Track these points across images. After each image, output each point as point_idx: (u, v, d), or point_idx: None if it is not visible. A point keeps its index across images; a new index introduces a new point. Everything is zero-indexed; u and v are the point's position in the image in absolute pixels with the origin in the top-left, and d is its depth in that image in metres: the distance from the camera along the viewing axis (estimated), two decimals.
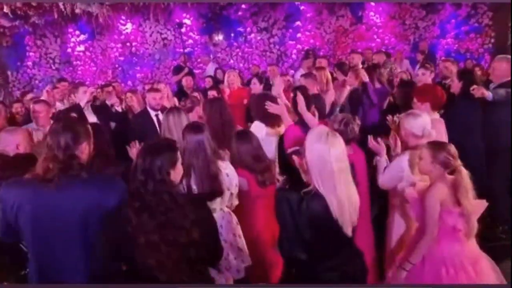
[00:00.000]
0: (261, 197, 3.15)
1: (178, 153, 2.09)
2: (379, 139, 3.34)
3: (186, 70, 8.91)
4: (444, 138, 3.70)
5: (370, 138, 3.34)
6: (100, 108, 5.56)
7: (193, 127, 2.89)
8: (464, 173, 2.65)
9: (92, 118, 5.03)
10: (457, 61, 8.40)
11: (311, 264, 2.17)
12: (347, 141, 3.08)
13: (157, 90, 4.97)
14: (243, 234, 3.09)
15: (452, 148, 2.71)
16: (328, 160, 2.07)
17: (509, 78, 4.61)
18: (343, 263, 2.20)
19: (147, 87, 6.86)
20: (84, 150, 2.20)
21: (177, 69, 9.22)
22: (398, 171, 3.14)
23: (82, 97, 5.02)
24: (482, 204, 2.90)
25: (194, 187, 2.79)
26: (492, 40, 10.24)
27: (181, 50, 10.55)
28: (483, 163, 4.51)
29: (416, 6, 10.34)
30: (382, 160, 3.29)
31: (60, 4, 7.02)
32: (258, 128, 3.82)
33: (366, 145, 3.42)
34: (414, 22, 10.50)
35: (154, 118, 4.70)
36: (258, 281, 3.20)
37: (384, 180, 3.24)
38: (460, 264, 2.65)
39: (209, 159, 2.81)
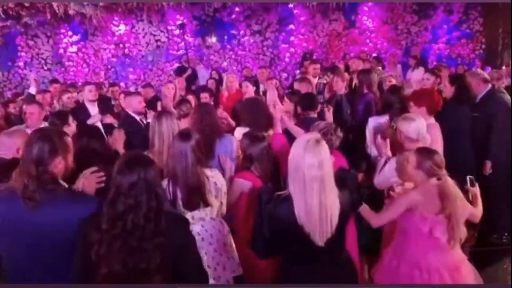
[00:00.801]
0: None
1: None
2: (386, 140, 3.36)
3: (189, 71, 8.86)
4: (439, 142, 3.74)
5: (378, 136, 3.38)
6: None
7: (181, 135, 2.84)
8: (450, 182, 2.67)
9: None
10: (448, 66, 8.52)
11: (284, 267, 2.21)
12: None
13: (139, 93, 4.93)
14: (245, 237, 3.04)
15: (439, 157, 2.73)
16: (302, 166, 2.05)
17: None
18: (317, 271, 2.19)
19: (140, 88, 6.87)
20: (58, 165, 2.09)
21: (180, 70, 9.17)
22: (392, 174, 3.17)
23: (88, 96, 5.02)
24: (467, 210, 2.92)
25: (179, 195, 2.76)
26: (483, 46, 10.36)
27: (175, 52, 10.59)
28: (473, 167, 4.56)
29: (408, 11, 10.43)
30: (381, 160, 3.31)
31: (54, 5, 6.96)
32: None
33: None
34: (406, 27, 10.59)
35: (140, 122, 4.65)
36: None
37: (379, 180, 3.29)
38: (436, 270, 2.66)
39: (189, 169, 2.73)
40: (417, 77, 8.33)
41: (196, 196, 2.77)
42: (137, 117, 4.67)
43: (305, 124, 3.97)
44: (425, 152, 2.78)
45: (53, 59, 10.25)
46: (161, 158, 3.23)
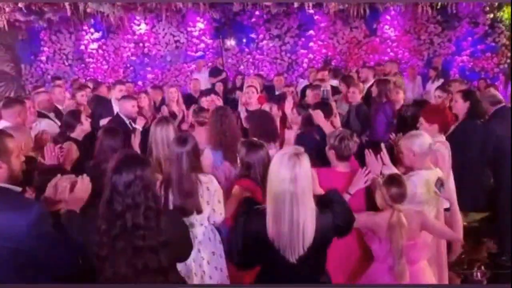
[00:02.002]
0: None
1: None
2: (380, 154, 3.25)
3: (223, 75, 8.85)
4: (447, 161, 3.63)
5: (367, 152, 3.24)
6: None
7: (178, 139, 2.84)
8: (397, 219, 2.63)
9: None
10: (468, 80, 8.30)
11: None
12: (342, 158, 3.10)
13: (134, 98, 4.94)
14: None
15: (396, 191, 2.70)
16: (274, 180, 2.00)
17: None
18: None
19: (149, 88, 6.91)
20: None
21: (214, 72, 9.18)
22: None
23: (118, 95, 5.09)
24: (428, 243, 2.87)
25: (171, 198, 2.74)
26: (508, 61, 10.04)
27: (193, 53, 10.63)
28: (486, 184, 4.43)
29: (432, 21, 10.20)
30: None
31: (66, 4, 7.07)
32: None
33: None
34: (429, 38, 10.36)
35: (130, 126, 4.65)
36: None
37: None
38: None
39: (184, 174, 2.73)
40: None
41: (190, 202, 2.75)
42: (127, 121, 4.67)
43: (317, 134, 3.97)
44: (390, 181, 2.75)
45: (74, 55, 10.43)
46: (158, 165, 3.24)
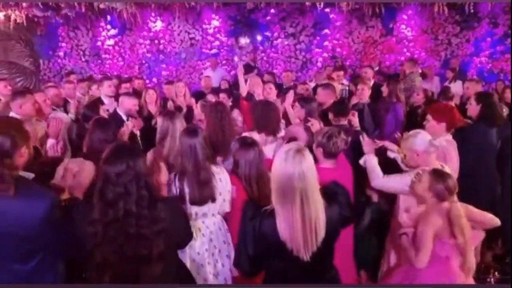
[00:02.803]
0: None
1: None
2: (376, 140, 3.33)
3: (255, 71, 8.87)
4: (455, 159, 3.61)
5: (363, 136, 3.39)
6: None
7: (188, 131, 2.89)
8: (457, 209, 2.55)
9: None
10: (483, 81, 8.12)
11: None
12: (329, 155, 3.11)
13: (136, 96, 4.94)
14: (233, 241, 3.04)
15: (452, 182, 2.63)
16: (282, 178, 1.96)
17: None
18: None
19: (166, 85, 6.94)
20: (21, 156, 2.03)
21: (246, 68, 9.17)
22: (404, 184, 3.07)
23: (107, 91, 5.10)
24: (479, 236, 2.78)
25: (186, 190, 2.78)
26: None
27: (208, 50, 10.67)
28: (497, 187, 4.31)
29: (450, 21, 10.00)
30: (372, 157, 3.27)
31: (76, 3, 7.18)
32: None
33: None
34: (447, 38, 10.15)
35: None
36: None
37: (382, 181, 3.20)
38: None
39: (200, 164, 2.78)
40: (455, 91, 8.01)
41: (206, 190, 2.80)
42: (125, 117, 4.68)
43: None
44: (439, 175, 2.68)
45: (91, 51, 10.59)
46: (169, 155, 3.26)
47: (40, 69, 10.47)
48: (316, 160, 3.06)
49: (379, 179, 3.23)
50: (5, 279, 2.03)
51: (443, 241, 2.57)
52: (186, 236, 2.34)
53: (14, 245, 1.97)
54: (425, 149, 3.11)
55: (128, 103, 4.71)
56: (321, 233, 2.01)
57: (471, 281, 2.66)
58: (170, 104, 5.87)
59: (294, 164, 1.95)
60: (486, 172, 4.23)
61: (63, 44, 10.52)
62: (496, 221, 2.74)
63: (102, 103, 5.11)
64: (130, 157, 1.97)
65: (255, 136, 3.68)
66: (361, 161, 3.37)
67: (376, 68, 8.79)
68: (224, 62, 10.59)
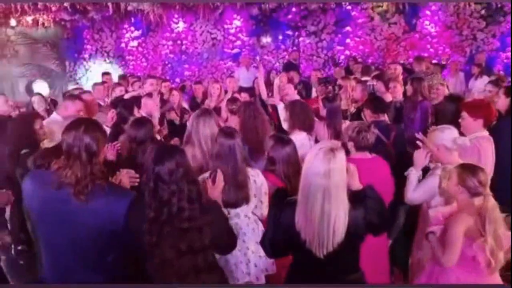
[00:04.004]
0: None
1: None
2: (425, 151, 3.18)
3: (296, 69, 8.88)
4: (491, 156, 3.54)
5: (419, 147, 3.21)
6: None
7: (226, 132, 2.88)
8: (492, 203, 2.46)
9: None
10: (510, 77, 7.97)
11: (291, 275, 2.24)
12: (360, 148, 3.16)
13: (152, 96, 4.93)
14: None
15: (483, 175, 2.53)
16: (309, 173, 2.01)
17: None
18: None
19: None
20: (103, 155, 2.14)
21: (287, 67, 9.23)
22: (432, 187, 3.01)
23: (149, 89, 5.17)
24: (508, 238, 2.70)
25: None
26: None
27: (230, 50, 10.73)
28: None
29: (475, 16, 9.83)
30: (415, 173, 3.12)
31: (109, 3, 7.32)
32: (303, 139, 3.81)
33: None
34: (472, 33, 9.99)
35: None
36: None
37: (414, 195, 3.10)
38: None
39: (238, 166, 2.78)
40: (480, 87, 7.88)
41: (242, 193, 2.81)
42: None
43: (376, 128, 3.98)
44: (468, 168, 2.58)
45: (115, 53, 10.77)
46: (197, 155, 3.30)
47: (66, 72, 10.69)
48: (348, 153, 3.16)
49: (410, 194, 3.15)
50: (89, 273, 2.11)
51: (471, 240, 2.47)
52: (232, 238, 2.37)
53: (104, 241, 2.06)
54: (447, 146, 3.05)
55: (151, 104, 4.74)
56: (340, 234, 2.02)
57: (495, 279, 2.56)
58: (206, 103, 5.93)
59: (323, 162, 1.98)
60: None
61: (88, 47, 10.71)
62: None
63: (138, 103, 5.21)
64: (177, 154, 2.05)
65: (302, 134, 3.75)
66: (406, 172, 3.31)
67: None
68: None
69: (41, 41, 10.09)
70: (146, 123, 3.51)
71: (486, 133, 3.69)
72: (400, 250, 3.60)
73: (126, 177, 2.49)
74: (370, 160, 3.16)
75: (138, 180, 2.48)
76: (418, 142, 3.50)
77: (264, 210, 2.96)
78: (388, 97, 5.42)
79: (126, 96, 5.39)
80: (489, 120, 3.72)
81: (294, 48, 10.62)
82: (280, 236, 2.17)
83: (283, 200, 2.20)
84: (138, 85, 5.58)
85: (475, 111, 3.65)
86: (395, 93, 5.39)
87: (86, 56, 10.74)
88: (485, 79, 8.07)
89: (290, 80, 7.14)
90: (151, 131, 3.50)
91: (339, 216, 2.01)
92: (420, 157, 3.09)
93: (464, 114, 3.68)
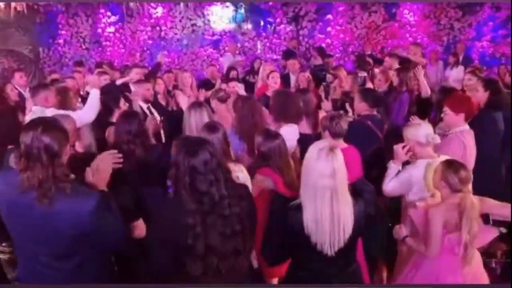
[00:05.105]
0: None
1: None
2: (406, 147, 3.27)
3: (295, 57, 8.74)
4: (473, 150, 3.65)
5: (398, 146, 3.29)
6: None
7: (209, 127, 2.90)
8: (470, 201, 2.57)
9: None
10: (487, 66, 8.17)
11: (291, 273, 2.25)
12: (335, 135, 3.33)
13: (148, 81, 4.85)
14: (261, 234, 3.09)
15: (464, 173, 2.64)
16: (314, 174, 2.02)
17: None
18: (323, 280, 2.18)
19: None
20: (67, 154, 2.04)
21: (286, 54, 9.10)
22: (405, 180, 3.12)
23: (135, 78, 5.06)
24: (492, 233, 2.81)
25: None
26: None
27: (210, 37, 10.57)
28: (504, 174, 4.40)
29: (452, 6, 9.99)
30: (395, 167, 3.22)
31: None
32: (294, 131, 3.81)
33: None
34: (449, 23, 10.15)
35: (147, 111, 4.61)
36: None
37: (388, 187, 3.21)
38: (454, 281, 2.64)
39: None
40: (456, 76, 8.05)
41: None
42: (145, 106, 4.63)
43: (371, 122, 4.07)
44: (450, 165, 2.69)
45: (91, 38, 10.44)
46: None
47: (39, 58, 10.33)
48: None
49: (385, 185, 3.23)
50: (51, 276, 2.08)
51: (450, 233, 2.61)
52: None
53: (68, 243, 2.02)
54: (420, 141, 3.13)
55: (147, 89, 4.65)
56: (348, 230, 2.08)
57: (473, 267, 2.70)
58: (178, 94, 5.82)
59: (327, 162, 2.01)
60: (494, 159, 4.31)
61: (63, 32, 10.35)
62: None
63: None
64: (208, 145, 2.07)
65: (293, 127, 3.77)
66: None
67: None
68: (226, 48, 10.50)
69: (13, 25, 9.69)
70: (136, 115, 3.47)
71: (467, 127, 3.80)
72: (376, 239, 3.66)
73: (107, 159, 2.31)
74: (346, 149, 3.22)
75: (121, 160, 2.37)
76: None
77: None
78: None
79: (118, 82, 5.22)
80: (470, 114, 3.83)
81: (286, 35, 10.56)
82: (286, 242, 2.16)
83: (284, 206, 2.18)
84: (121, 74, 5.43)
85: (457, 106, 3.75)
86: (380, 85, 5.44)
87: (61, 41, 10.39)
88: (461, 68, 8.26)
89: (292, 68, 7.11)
90: (142, 122, 3.46)
91: (347, 214, 2.06)
92: (400, 151, 3.18)
93: (447, 109, 3.78)
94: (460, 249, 2.58)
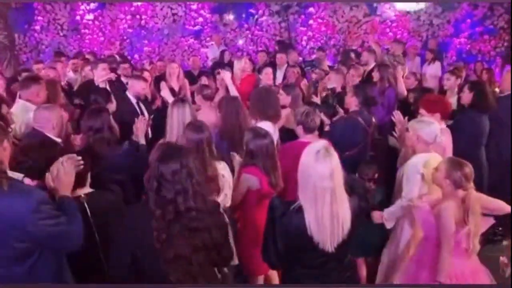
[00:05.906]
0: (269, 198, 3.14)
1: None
2: None
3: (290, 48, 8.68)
4: (449, 148, 3.76)
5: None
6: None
7: (195, 126, 2.90)
8: (474, 196, 2.69)
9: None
10: (465, 63, 8.35)
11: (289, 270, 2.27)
12: (309, 130, 3.43)
13: (145, 80, 4.84)
14: (245, 232, 3.14)
15: (468, 170, 2.73)
16: (313, 177, 2.05)
17: None
18: (322, 275, 2.23)
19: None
20: (4, 151, 1.98)
21: (282, 45, 9.05)
22: (416, 174, 3.17)
23: (101, 74, 4.95)
24: (488, 222, 2.96)
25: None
26: (506, 44, 10.09)
27: (191, 27, 10.46)
28: (488, 174, 4.53)
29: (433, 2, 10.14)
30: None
31: None
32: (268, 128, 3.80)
33: None
34: (429, 19, 10.31)
35: (136, 106, 4.60)
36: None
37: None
38: (461, 275, 2.73)
39: (206, 160, 2.80)
40: (433, 72, 8.21)
41: (212, 185, 2.83)
42: (134, 101, 4.61)
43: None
44: (455, 163, 2.79)
45: (69, 26, 10.21)
46: None
47: (15, 44, 10.02)
48: (297, 136, 3.50)
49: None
50: (4, 280, 2.02)
51: (457, 228, 2.70)
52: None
53: (13, 244, 1.96)
54: (427, 140, 3.23)
55: (138, 86, 4.61)
56: (347, 227, 2.14)
57: (475, 258, 2.83)
58: (163, 85, 5.75)
59: (325, 164, 2.05)
60: (481, 159, 4.45)
61: (39, 18, 10.08)
62: (507, 208, 2.89)
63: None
64: (182, 155, 2.07)
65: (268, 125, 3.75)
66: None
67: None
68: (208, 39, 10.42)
69: None
70: (103, 112, 3.43)
71: (444, 125, 3.92)
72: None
73: (67, 163, 2.23)
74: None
75: (81, 163, 2.32)
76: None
77: (228, 202, 3.02)
78: None
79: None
80: (446, 113, 3.94)
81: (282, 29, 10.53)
82: (291, 244, 2.18)
83: (284, 208, 2.19)
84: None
85: (431, 106, 3.87)
86: (352, 80, 5.50)
87: (37, 28, 10.11)
88: (438, 64, 8.43)
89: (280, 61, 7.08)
90: (108, 120, 3.41)
91: (345, 211, 2.11)
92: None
93: (422, 110, 3.90)
94: (469, 243, 2.69)
